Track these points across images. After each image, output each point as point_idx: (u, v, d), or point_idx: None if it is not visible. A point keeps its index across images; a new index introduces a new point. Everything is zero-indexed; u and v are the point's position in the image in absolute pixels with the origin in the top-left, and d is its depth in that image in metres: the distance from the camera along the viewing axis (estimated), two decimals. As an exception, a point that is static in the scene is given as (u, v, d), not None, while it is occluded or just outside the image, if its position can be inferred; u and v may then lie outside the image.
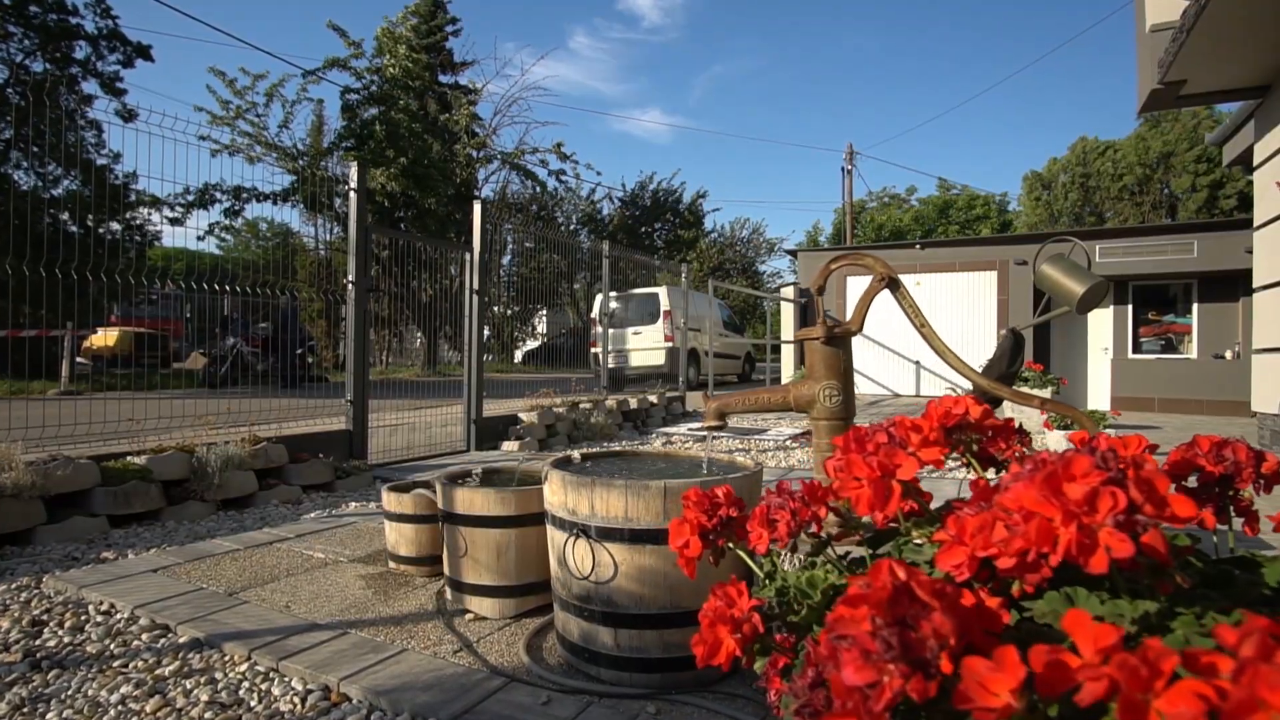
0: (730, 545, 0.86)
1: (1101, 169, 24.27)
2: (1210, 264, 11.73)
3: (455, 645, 2.09)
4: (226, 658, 2.05)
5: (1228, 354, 12.13)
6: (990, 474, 0.83)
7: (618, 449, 2.50)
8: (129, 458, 3.84)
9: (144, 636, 2.18)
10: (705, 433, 1.85)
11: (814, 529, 0.76)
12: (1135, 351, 12.64)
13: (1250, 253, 11.22)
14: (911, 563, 0.64)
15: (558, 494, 1.90)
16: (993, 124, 66.61)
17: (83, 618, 2.34)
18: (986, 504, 0.56)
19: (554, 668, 1.95)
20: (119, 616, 2.35)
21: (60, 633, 2.22)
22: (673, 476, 2.14)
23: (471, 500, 2.29)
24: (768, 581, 0.75)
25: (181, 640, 2.15)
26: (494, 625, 2.25)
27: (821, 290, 1.89)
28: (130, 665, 1.99)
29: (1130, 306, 12.53)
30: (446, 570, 2.43)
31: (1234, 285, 12.03)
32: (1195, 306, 12.38)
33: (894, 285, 1.79)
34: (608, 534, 1.79)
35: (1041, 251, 5.86)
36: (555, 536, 1.93)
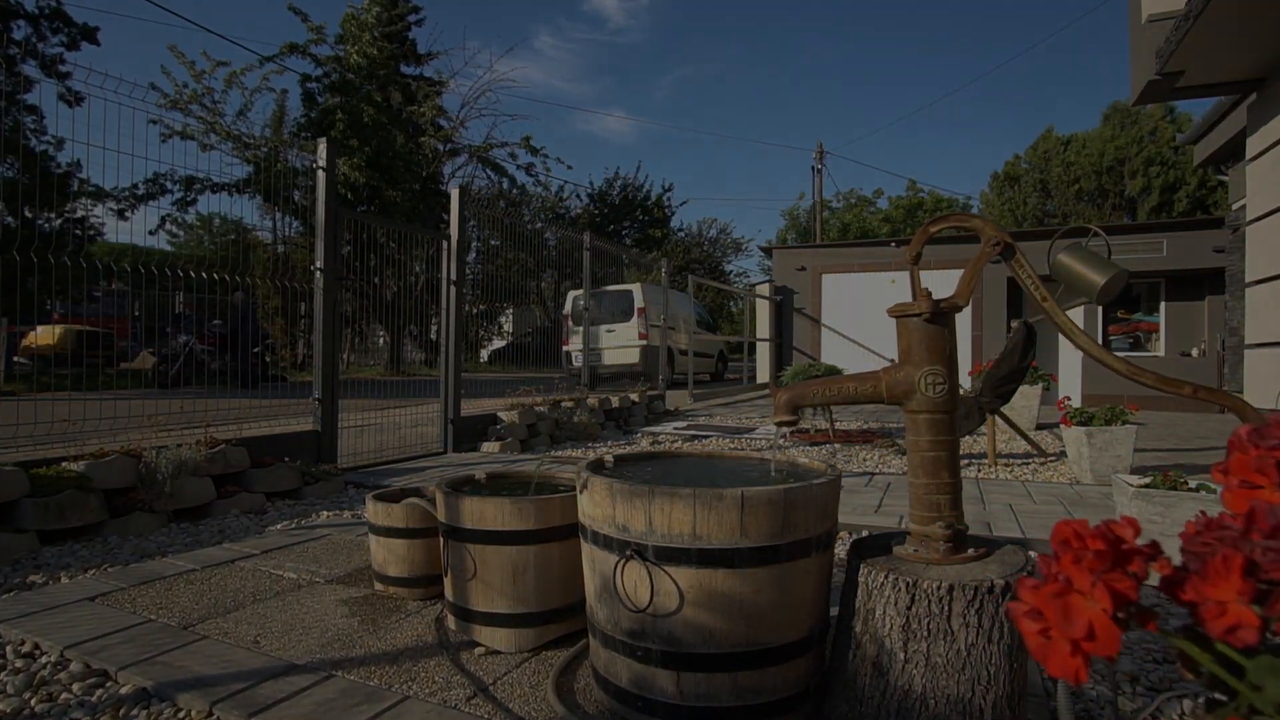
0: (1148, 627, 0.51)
1: (1060, 175, 24.78)
2: (1178, 263, 11.91)
3: (468, 690, 1.73)
4: (181, 713, 1.65)
5: (1194, 351, 12.33)
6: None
7: (650, 450, 2.17)
8: (65, 463, 3.35)
9: (75, 687, 1.76)
10: (776, 429, 1.53)
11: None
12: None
13: (1219, 252, 11.40)
14: None
15: (603, 506, 1.55)
16: (962, 126, 67.90)
17: (-2, 662, 1.91)
18: None
19: (594, 717, 1.60)
20: (44, 660, 1.92)
21: (-32, 684, 1.79)
22: (721, 479, 1.81)
23: (482, 512, 1.93)
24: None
25: (124, 691, 1.74)
26: (511, 661, 1.89)
27: (918, 259, 1.58)
28: (57, 727, 1.59)
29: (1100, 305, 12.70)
30: (450, 595, 2.06)
31: (1200, 284, 12.25)
32: (1163, 305, 12.58)
33: (1009, 252, 1.49)
34: (670, 555, 1.45)
35: (1055, 243, 5.67)
36: (598, 558, 1.58)
